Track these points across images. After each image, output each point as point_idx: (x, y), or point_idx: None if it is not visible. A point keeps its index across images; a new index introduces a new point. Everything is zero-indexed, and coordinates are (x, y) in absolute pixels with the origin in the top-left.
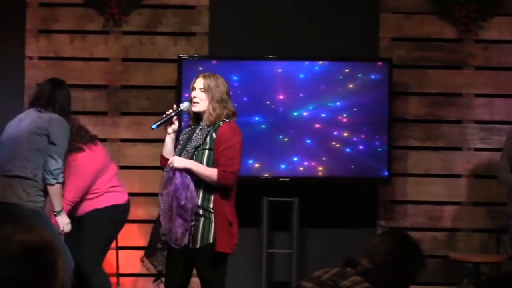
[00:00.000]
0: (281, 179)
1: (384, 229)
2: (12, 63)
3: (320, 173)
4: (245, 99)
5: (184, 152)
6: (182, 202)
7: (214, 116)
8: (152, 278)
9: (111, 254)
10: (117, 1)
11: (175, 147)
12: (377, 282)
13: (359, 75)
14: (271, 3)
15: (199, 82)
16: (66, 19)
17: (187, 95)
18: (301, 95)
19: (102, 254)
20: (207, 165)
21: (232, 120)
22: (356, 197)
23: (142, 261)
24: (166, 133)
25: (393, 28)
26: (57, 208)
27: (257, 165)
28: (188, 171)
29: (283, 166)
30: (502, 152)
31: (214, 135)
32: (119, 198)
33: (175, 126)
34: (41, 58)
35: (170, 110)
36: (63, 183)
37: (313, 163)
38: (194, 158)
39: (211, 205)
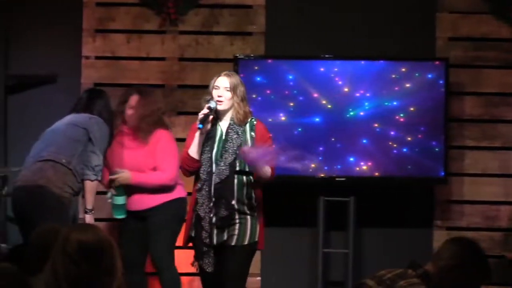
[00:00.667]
0: (337, 179)
1: (441, 229)
2: (68, 63)
3: (376, 173)
4: (300, 98)
5: (224, 151)
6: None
7: (242, 114)
8: None
9: None
10: (173, 0)
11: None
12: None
13: (416, 75)
14: (327, 2)
15: (224, 81)
16: (122, 19)
17: None
18: (357, 94)
19: (174, 248)
20: None
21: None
22: (412, 197)
23: (193, 265)
24: (200, 133)
25: (449, 27)
26: (89, 206)
27: (313, 165)
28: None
29: (339, 166)
30: None
31: (253, 134)
32: (183, 191)
33: (209, 125)
34: (97, 57)
35: (206, 110)
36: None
37: (369, 163)
38: (237, 156)
39: (255, 204)
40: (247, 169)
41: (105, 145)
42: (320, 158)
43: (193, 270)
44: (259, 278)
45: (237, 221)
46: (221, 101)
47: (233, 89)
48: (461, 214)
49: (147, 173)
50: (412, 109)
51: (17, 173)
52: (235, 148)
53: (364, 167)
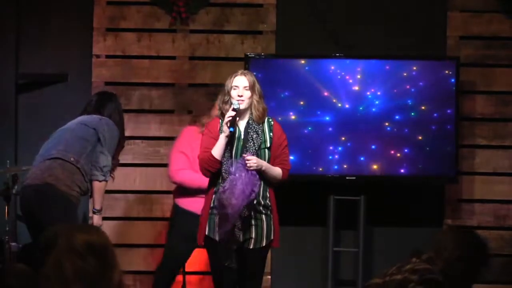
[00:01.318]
0: (347, 178)
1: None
2: (79, 62)
3: (386, 172)
4: (311, 97)
5: (245, 151)
6: (253, 197)
7: (261, 112)
8: None
9: None
10: None
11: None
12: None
13: (427, 74)
14: (338, 1)
15: (242, 80)
16: (133, 18)
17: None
18: (368, 93)
19: None
20: (268, 163)
21: None
22: (423, 196)
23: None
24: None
25: (460, 26)
26: (97, 206)
27: (323, 164)
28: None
29: (349, 165)
30: None
31: (271, 134)
32: None
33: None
34: (108, 56)
35: (233, 112)
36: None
37: (379, 162)
38: (258, 156)
39: (269, 203)
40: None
41: (114, 146)
42: (331, 157)
43: (202, 269)
44: (269, 276)
45: (253, 222)
46: (242, 101)
47: (251, 87)
48: (472, 213)
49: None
50: (423, 108)
51: (27, 172)
52: (256, 148)
53: (375, 166)
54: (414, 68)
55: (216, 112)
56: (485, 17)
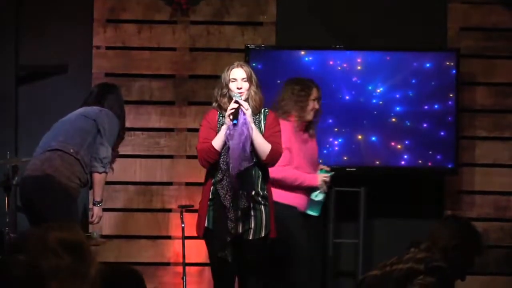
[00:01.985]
0: (347, 169)
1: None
2: (79, 53)
3: (387, 163)
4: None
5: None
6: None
7: (258, 102)
8: None
9: (177, 243)
10: None
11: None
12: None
13: (427, 65)
14: None
15: (240, 72)
16: (133, 9)
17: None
18: (369, 85)
19: None
20: None
21: None
22: (423, 188)
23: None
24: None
25: (461, 17)
26: (98, 198)
27: (323, 155)
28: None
29: (350, 156)
30: None
31: (264, 122)
32: None
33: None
34: (108, 48)
35: (235, 105)
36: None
37: (380, 153)
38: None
39: (267, 194)
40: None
41: (114, 138)
42: (331, 148)
43: (202, 260)
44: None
45: (252, 213)
46: (242, 93)
47: (249, 78)
48: (472, 204)
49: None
50: (423, 99)
51: (27, 163)
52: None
53: (375, 158)
54: (415, 59)
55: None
56: (485, 8)
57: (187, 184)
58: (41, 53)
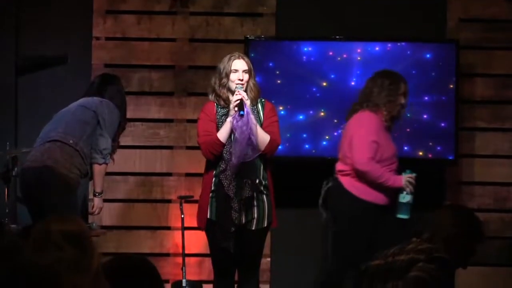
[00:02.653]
0: None
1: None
2: (79, 44)
3: None
4: (311, 79)
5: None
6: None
7: (256, 94)
8: None
9: (177, 234)
10: None
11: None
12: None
13: (427, 56)
14: None
15: (242, 64)
16: (133, 0)
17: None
18: (368, 75)
19: None
20: None
21: None
22: (423, 179)
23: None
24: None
25: (460, 9)
26: (98, 189)
27: (323, 145)
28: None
29: None
30: None
31: (262, 112)
32: None
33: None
34: (108, 38)
35: (240, 96)
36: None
37: None
38: None
39: (267, 182)
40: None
41: (115, 129)
42: (331, 139)
43: (202, 251)
44: (269, 259)
45: (255, 203)
46: (243, 84)
47: (250, 71)
48: (472, 195)
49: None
50: (422, 90)
51: (27, 154)
52: None
53: None
54: (414, 50)
55: None
56: None
57: (187, 175)
58: (41, 44)
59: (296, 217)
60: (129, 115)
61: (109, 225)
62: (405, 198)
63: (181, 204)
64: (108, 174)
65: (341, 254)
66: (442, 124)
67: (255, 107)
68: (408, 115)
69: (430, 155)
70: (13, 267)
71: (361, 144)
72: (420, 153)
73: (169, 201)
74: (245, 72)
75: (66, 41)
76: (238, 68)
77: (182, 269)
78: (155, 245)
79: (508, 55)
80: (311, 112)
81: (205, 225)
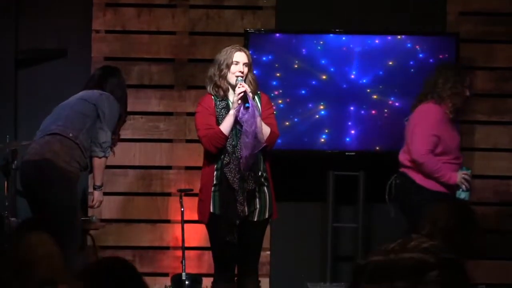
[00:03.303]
0: (347, 153)
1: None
2: (79, 37)
3: (386, 147)
4: (311, 72)
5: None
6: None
7: (255, 86)
8: None
9: (177, 227)
10: None
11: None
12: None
13: (426, 49)
14: None
15: (243, 57)
16: None
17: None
18: (368, 69)
19: None
20: None
21: None
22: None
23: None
24: (239, 110)
25: (460, 2)
26: (98, 183)
27: (322, 140)
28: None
29: (348, 140)
30: None
31: (259, 104)
32: None
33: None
34: (108, 31)
35: (243, 88)
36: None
37: (379, 138)
38: None
39: (267, 174)
40: None
41: (114, 122)
42: (330, 132)
43: (201, 244)
44: (269, 252)
45: (257, 195)
46: (243, 76)
47: (250, 64)
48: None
49: None
50: (422, 83)
51: (27, 147)
52: None
53: (374, 142)
54: (414, 43)
55: None
56: None
57: (187, 168)
58: (41, 37)
59: (295, 210)
60: (128, 108)
61: (108, 218)
62: (461, 195)
63: (181, 197)
64: (107, 167)
65: None
66: None
67: (254, 100)
68: (402, 108)
69: None
70: None
71: (422, 136)
72: None
73: (168, 194)
74: (245, 65)
75: (65, 34)
76: (240, 60)
77: (181, 262)
78: (155, 238)
79: (508, 49)
80: (310, 105)
81: (208, 219)
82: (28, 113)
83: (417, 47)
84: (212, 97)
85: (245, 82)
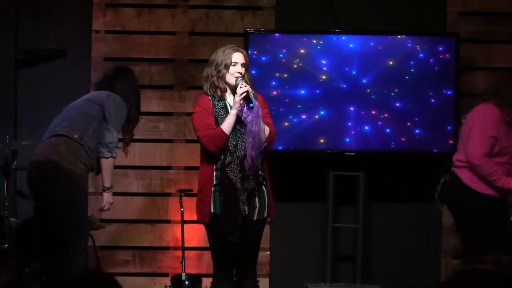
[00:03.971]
0: (347, 154)
1: None
2: (79, 37)
3: (386, 148)
4: (311, 72)
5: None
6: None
7: (251, 86)
8: None
9: (176, 228)
10: None
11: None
12: None
13: (427, 50)
14: None
15: (241, 57)
16: None
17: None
18: (368, 69)
19: None
20: None
21: None
22: (422, 172)
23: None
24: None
25: (460, 2)
26: (107, 184)
27: (322, 140)
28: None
29: (348, 140)
30: None
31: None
32: None
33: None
34: (107, 32)
35: (245, 88)
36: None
37: (379, 138)
38: None
39: (264, 173)
40: None
41: (121, 123)
42: (330, 133)
43: (201, 244)
44: (268, 252)
45: (256, 193)
46: (242, 77)
47: (247, 64)
48: None
49: None
50: (422, 83)
51: (27, 147)
52: None
53: (374, 142)
54: (414, 43)
55: None
56: None
57: (186, 168)
58: (41, 37)
59: (295, 210)
60: None
61: (108, 218)
62: None
63: (180, 198)
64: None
65: (472, 251)
66: (442, 117)
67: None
68: (407, 108)
69: (430, 148)
70: None
71: (478, 138)
72: (420, 146)
73: (168, 194)
74: (243, 66)
75: (65, 34)
76: (238, 61)
77: (181, 262)
78: (155, 238)
79: (508, 49)
80: (310, 104)
81: (208, 220)
82: (28, 113)
83: (417, 47)
84: (209, 97)
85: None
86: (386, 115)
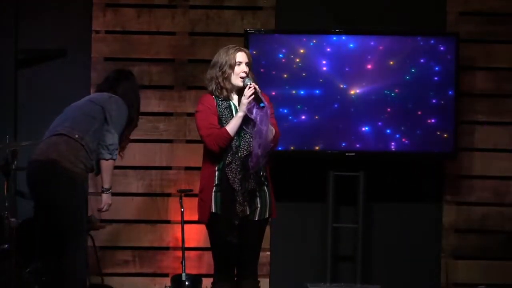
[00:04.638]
0: (347, 154)
1: (450, 204)
2: (79, 37)
3: (386, 148)
4: (310, 73)
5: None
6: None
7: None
8: None
9: (177, 228)
10: None
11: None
12: None
13: (427, 50)
14: None
15: (244, 57)
16: None
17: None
18: (368, 69)
19: None
20: None
21: None
22: (422, 172)
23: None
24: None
25: (460, 2)
26: (106, 185)
27: (322, 140)
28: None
29: (348, 140)
30: None
31: None
32: None
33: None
34: (107, 32)
35: (253, 88)
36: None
37: (379, 138)
38: None
39: (266, 174)
40: None
41: (122, 125)
42: (330, 133)
43: (201, 244)
44: (269, 252)
45: (257, 194)
46: (248, 76)
47: (250, 63)
48: (471, 189)
49: None
50: (422, 84)
51: (27, 147)
52: None
53: (374, 142)
54: (414, 43)
55: None
56: None
57: (186, 168)
58: (41, 37)
59: (295, 210)
60: None
61: (108, 218)
62: None
63: (180, 198)
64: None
65: None
66: (442, 117)
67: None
68: (407, 108)
69: (429, 148)
70: None
71: None
72: (420, 146)
73: (168, 194)
74: (247, 65)
75: (65, 34)
76: (242, 60)
77: (181, 262)
78: (155, 238)
79: (508, 49)
80: (309, 105)
81: (208, 219)
82: (28, 113)
83: (417, 47)
84: (213, 96)
85: None
86: (386, 115)
